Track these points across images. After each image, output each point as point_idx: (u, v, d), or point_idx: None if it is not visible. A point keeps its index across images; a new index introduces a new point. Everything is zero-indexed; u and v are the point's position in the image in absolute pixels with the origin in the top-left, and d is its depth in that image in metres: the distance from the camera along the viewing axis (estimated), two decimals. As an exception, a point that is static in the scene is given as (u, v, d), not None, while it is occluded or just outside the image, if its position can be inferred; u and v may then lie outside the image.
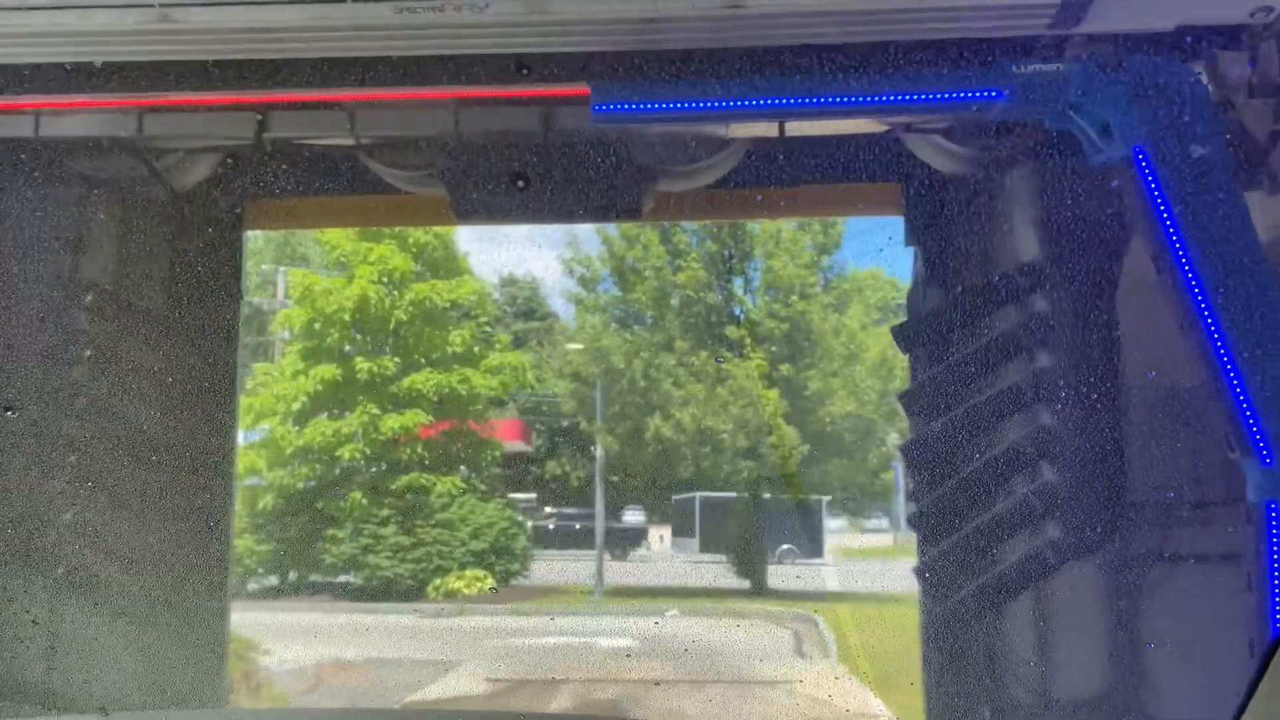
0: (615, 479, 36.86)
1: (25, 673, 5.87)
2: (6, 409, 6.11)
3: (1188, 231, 4.53)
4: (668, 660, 16.73)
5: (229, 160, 6.91)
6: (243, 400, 23.07)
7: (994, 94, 4.90)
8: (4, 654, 5.80)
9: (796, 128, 6.02)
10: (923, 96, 4.99)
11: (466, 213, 6.59)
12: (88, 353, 6.44)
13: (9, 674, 5.80)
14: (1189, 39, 4.94)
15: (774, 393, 27.16)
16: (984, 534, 5.95)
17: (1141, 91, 4.66)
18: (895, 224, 8.13)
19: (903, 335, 7.31)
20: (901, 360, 25.38)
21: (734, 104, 5.05)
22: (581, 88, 5.13)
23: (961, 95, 4.96)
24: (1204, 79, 4.93)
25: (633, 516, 52.15)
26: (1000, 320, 6.45)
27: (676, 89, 5.04)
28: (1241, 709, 1.68)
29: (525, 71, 5.22)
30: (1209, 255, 4.50)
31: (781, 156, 6.40)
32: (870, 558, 37.25)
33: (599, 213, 6.82)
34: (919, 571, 6.63)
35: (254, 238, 37.66)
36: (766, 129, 6.08)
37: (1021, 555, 5.89)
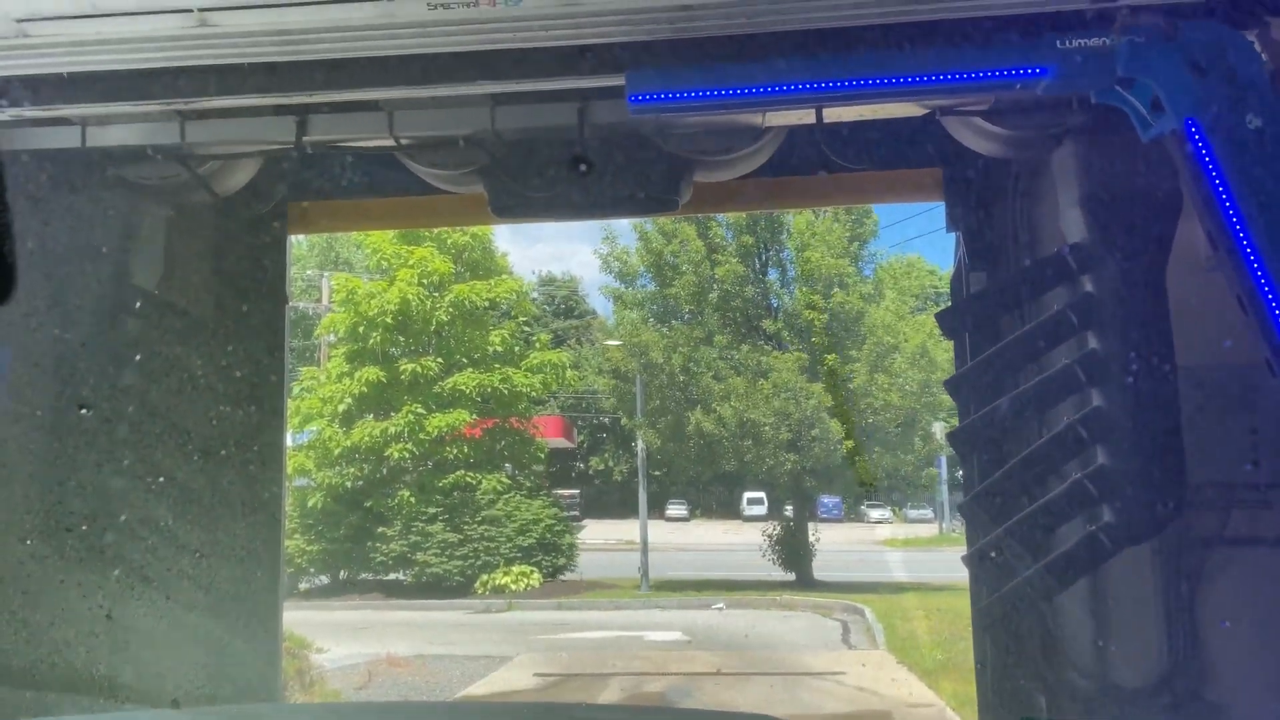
0: (658, 473, 36.88)
1: (98, 667, 5.99)
2: (81, 407, 6.24)
3: (1245, 205, 4.40)
4: (717, 652, 16.70)
5: (271, 164, 6.98)
6: (290, 403, 23.42)
7: (1039, 71, 4.78)
8: (78, 648, 5.92)
9: (834, 114, 5.93)
10: (966, 75, 4.88)
11: (505, 210, 6.59)
12: (138, 357, 6.54)
13: (84, 668, 5.93)
14: (1239, 5, 4.80)
15: (817, 386, 26.97)
16: (1036, 520, 5.85)
17: (1192, 62, 4.53)
18: (936, 209, 8.04)
19: (947, 321, 7.21)
20: (943, 349, 25.13)
21: (771, 89, 4.98)
22: (618, 79, 5.10)
23: (1005, 73, 4.85)
24: (1256, 47, 4.79)
25: (676, 510, 52.20)
26: (1047, 303, 6.34)
27: (713, 75, 4.99)
28: None
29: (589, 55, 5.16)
30: (1268, 228, 4.37)
31: (819, 144, 6.32)
32: (916, 548, 36.97)
33: (637, 206, 6.77)
34: (969, 559, 6.54)
35: (298, 242, 38.12)
36: (803, 116, 6.01)
37: (1075, 540, 5.78)
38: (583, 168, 6.30)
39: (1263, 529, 6.06)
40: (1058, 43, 4.75)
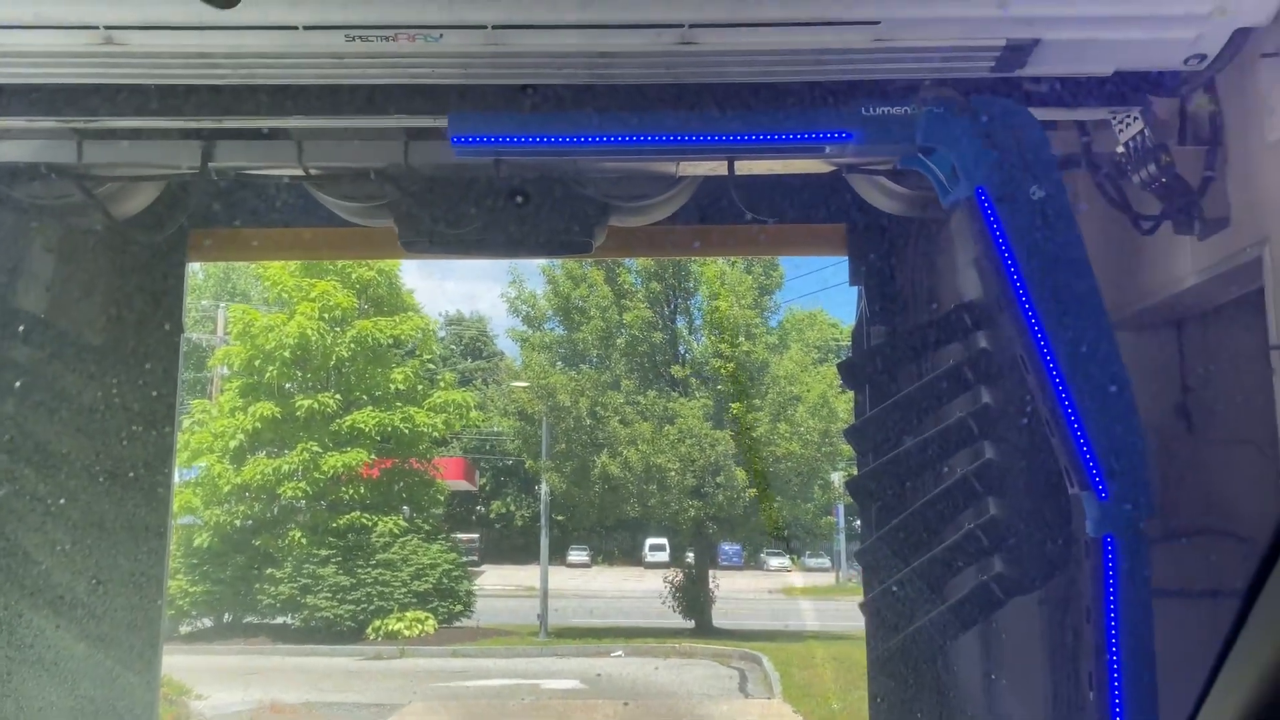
0: (561, 519, 36.55)
1: None
2: None
3: (1026, 270, 4.64)
4: (615, 701, 16.51)
5: (172, 189, 6.78)
6: (179, 437, 22.55)
7: (844, 135, 4.91)
8: None
9: (746, 166, 6.06)
10: (773, 137, 4.97)
11: (414, 246, 6.52)
12: (18, 383, 6.22)
13: None
14: (1125, 83, 5.09)
15: (723, 433, 27.21)
16: (930, 568, 5.97)
17: (983, 134, 4.75)
18: (843, 264, 8.27)
19: (848, 372, 7.37)
20: (843, 400, 25.66)
21: (595, 140, 4.97)
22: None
23: (812, 136, 4.97)
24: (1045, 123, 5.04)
25: (577, 556, 51.72)
26: (944, 357, 6.54)
27: (536, 123, 5.02)
28: None
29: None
30: (1046, 294, 4.61)
31: (730, 194, 6.45)
32: (814, 596, 37.34)
33: (551, 247, 6.77)
34: (866, 606, 6.64)
35: (194, 272, 36.96)
36: (716, 167, 6.12)
37: (968, 589, 5.92)
38: (496, 206, 6.29)
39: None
40: (863, 110, 4.91)
